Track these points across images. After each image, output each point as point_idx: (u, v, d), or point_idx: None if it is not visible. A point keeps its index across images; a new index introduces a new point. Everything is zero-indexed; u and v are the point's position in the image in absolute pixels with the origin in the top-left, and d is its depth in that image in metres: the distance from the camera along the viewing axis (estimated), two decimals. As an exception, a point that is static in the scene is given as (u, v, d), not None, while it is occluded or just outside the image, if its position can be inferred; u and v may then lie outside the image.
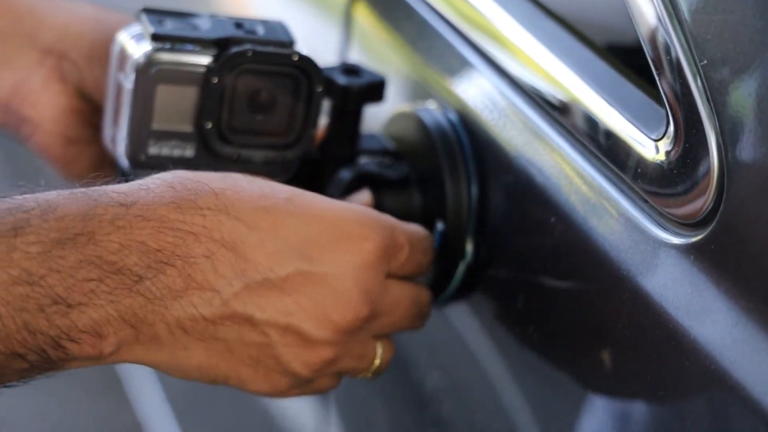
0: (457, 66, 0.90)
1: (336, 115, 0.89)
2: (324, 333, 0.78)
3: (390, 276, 0.81)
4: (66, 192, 0.73)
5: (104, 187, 0.74)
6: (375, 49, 1.03)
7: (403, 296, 0.82)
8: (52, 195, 0.72)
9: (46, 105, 0.91)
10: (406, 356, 0.98)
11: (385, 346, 0.82)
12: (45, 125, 0.92)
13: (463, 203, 0.86)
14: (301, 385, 0.80)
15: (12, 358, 0.71)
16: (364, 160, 0.90)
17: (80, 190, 0.73)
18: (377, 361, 0.82)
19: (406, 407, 0.98)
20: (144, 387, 1.63)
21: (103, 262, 0.71)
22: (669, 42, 0.71)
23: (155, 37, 0.82)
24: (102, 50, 0.90)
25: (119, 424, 1.81)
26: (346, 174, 0.88)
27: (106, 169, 0.93)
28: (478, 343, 0.88)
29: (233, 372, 0.78)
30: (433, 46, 0.94)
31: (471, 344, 0.89)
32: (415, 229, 0.83)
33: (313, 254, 0.77)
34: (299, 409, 1.17)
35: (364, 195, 0.88)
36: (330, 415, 1.09)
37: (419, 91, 0.94)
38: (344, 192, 0.88)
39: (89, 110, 0.92)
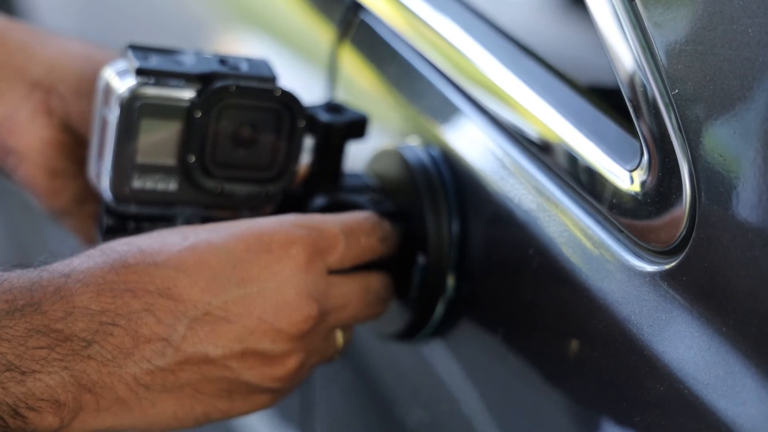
0: (440, 106, 0.92)
1: (319, 152, 0.90)
2: (281, 345, 0.80)
3: (334, 270, 0.83)
4: (12, 268, 0.76)
5: (49, 262, 0.78)
6: (359, 91, 1.05)
7: (352, 288, 0.84)
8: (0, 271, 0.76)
9: (32, 137, 0.93)
10: (389, 393, 0.98)
11: (343, 333, 0.85)
12: (31, 157, 0.93)
13: (444, 238, 0.87)
14: (283, 392, 0.82)
15: None
16: (352, 195, 0.92)
17: (27, 267, 0.77)
18: (340, 346, 0.85)
19: None
20: None
21: (51, 331, 0.74)
22: (642, 76, 0.72)
23: (140, 72, 0.84)
24: (89, 85, 0.91)
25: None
26: (320, 201, 0.90)
27: (89, 203, 0.94)
28: (461, 378, 0.89)
29: (211, 408, 0.80)
30: (417, 87, 0.95)
31: (453, 379, 0.89)
32: (351, 215, 0.85)
33: (244, 275, 0.79)
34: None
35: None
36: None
37: (403, 131, 0.96)
38: None
39: (75, 144, 0.94)
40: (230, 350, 0.78)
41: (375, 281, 0.85)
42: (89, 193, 0.93)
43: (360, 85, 1.05)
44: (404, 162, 0.90)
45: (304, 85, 1.03)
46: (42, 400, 0.74)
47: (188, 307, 0.77)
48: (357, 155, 0.95)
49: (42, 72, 0.93)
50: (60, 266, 0.77)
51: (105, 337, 0.75)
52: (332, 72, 1.08)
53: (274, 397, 0.82)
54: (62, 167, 0.94)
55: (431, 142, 0.92)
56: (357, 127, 0.91)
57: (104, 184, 0.86)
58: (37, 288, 0.75)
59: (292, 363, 0.81)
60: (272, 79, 0.86)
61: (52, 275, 0.76)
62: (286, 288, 0.79)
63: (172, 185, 0.86)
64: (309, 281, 0.80)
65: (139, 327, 0.76)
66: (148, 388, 0.77)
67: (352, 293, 0.84)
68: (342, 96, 1.06)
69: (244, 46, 1.29)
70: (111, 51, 0.95)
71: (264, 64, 0.87)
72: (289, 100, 0.86)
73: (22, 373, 0.73)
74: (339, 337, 0.84)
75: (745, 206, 0.68)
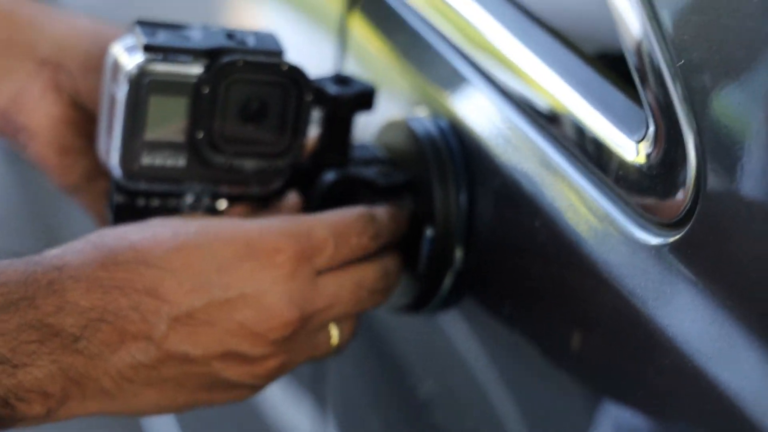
0: (449, 75, 0.92)
1: (327, 125, 0.91)
2: (261, 349, 0.82)
3: (323, 272, 0.83)
4: (9, 261, 0.78)
5: (44, 253, 0.80)
6: (370, 60, 1.06)
7: (342, 286, 0.84)
8: None
9: (42, 114, 0.94)
10: (399, 364, 0.99)
11: (341, 326, 0.86)
12: (41, 134, 0.94)
13: (452, 210, 0.88)
14: (265, 385, 0.84)
15: None
16: (358, 168, 0.92)
17: (23, 258, 0.79)
18: (334, 342, 0.86)
19: (401, 414, 0.99)
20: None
21: (42, 325, 0.77)
22: (649, 46, 0.73)
23: (148, 48, 0.84)
24: (97, 61, 0.92)
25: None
26: (329, 176, 0.90)
27: (100, 179, 0.95)
28: (470, 349, 0.90)
29: (192, 400, 0.82)
30: (426, 56, 0.96)
31: (462, 350, 0.90)
32: (341, 215, 0.85)
33: (228, 281, 0.81)
34: (297, 417, 1.19)
35: (294, 199, 0.90)
36: (327, 421, 1.11)
37: (412, 101, 0.96)
38: (325, 194, 0.90)
39: (84, 120, 0.95)
40: (210, 351, 0.80)
41: (369, 274, 0.86)
42: (99, 169, 0.94)
43: (370, 54, 1.06)
44: (412, 134, 0.91)
45: (315, 54, 1.04)
46: (31, 391, 0.76)
47: (172, 308, 0.79)
48: (365, 125, 0.96)
49: (50, 49, 0.94)
50: (54, 259, 0.79)
51: (93, 333, 0.78)
52: (342, 41, 1.08)
53: (255, 390, 0.84)
54: (72, 144, 0.95)
55: (439, 112, 0.92)
56: (365, 98, 0.91)
57: (113, 161, 0.87)
58: (32, 281, 0.77)
59: (272, 364, 0.82)
60: (279, 53, 0.87)
61: (45, 269, 0.78)
62: (268, 295, 0.81)
63: (180, 161, 0.86)
64: (293, 288, 0.82)
65: (126, 324, 0.78)
66: (131, 381, 0.79)
67: (341, 291, 0.84)
68: (352, 65, 1.06)
69: (255, 15, 1.30)
70: (119, 27, 0.95)
71: (271, 38, 0.88)
72: (295, 74, 0.87)
73: (14, 366, 0.76)
74: (333, 334, 0.85)
75: (750, 178, 0.68)
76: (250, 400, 1.25)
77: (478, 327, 0.88)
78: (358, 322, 0.88)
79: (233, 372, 0.82)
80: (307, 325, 0.83)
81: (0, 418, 0.76)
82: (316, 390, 1.12)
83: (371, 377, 1.04)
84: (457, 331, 0.91)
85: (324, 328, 0.85)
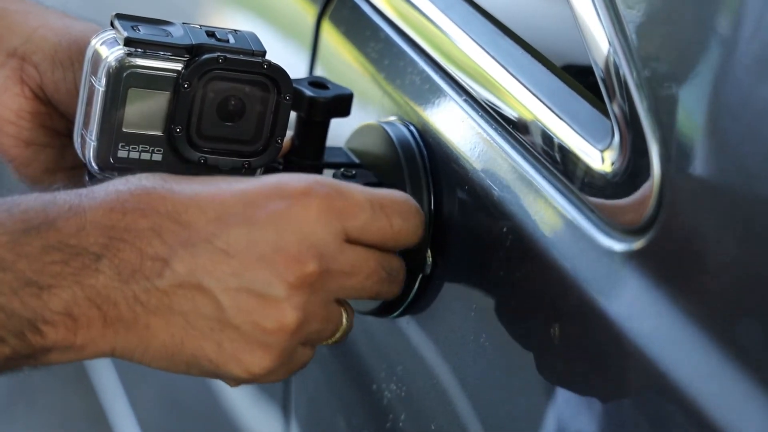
0: (417, 83, 0.96)
1: (302, 127, 0.94)
2: (276, 290, 0.81)
3: (352, 240, 0.84)
4: (25, 195, 0.81)
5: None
6: (339, 67, 1.09)
7: (366, 258, 0.84)
8: (16, 196, 0.81)
9: (4, 106, 0.97)
10: (364, 368, 1.02)
11: (347, 313, 0.86)
12: (3, 126, 0.97)
13: (424, 215, 0.91)
14: (279, 365, 0.83)
15: None
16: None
17: (40, 192, 0.82)
18: (344, 325, 0.86)
19: (365, 419, 1.01)
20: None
21: (64, 246, 0.79)
22: (615, 57, 0.77)
23: (128, 42, 0.87)
24: (65, 55, 0.95)
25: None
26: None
27: (60, 173, 0.98)
28: (435, 353, 0.92)
29: (199, 350, 0.82)
30: (396, 64, 0.99)
31: (427, 355, 0.93)
32: (388, 192, 0.86)
33: (254, 214, 0.82)
34: (260, 420, 1.22)
35: None
36: (291, 424, 1.14)
37: (380, 107, 1.00)
38: None
39: (47, 114, 0.98)
40: (225, 284, 0.81)
41: (394, 261, 0.86)
42: (60, 163, 0.98)
43: (340, 61, 1.09)
44: (387, 137, 0.94)
45: (285, 61, 1.08)
46: (57, 313, 0.79)
47: (192, 235, 0.81)
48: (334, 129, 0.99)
49: (19, 41, 0.97)
50: (79, 189, 0.82)
51: (114, 252, 0.80)
52: (313, 48, 1.11)
53: (267, 370, 0.83)
54: (34, 137, 0.98)
55: (409, 118, 0.95)
56: (342, 103, 0.94)
57: (89, 154, 0.90)
58: (52, 206, 0.80)
59: (289, 315, 0.82)
60: (260, 52, 0.89)
61: (67, 195, 0.81)
62: (289, 234, 0.82)
63: (156, 156, 0.89)
64: (316, 234, 0.82)
65: (144, 245, 0.80)
66: (144, 306, 0.81)
67: (363, 263, 0.84)
68: (321, 72, 1.10)
69: (224, 22, 1.33)
70: (90, 24, 0.98)
71: (252, 37, 0.90)
72: (276, 73, 0.89)
73: (40, 288, 0.78)
74: (344, 315, 0.85)
75: (712, 187, 0.72)
76: (216, 403, 1.27)
77: (444, 331, 0.91)
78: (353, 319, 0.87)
79: (245, 317, 0.81)
80: (324, 284, 0.83)
81: (31, 346, 0.79)
82: (280, 393, 1.15)
83: (336, 381, 1.06)
84: (423, 335, 0.93)
85: (338, 304, 0.85)
